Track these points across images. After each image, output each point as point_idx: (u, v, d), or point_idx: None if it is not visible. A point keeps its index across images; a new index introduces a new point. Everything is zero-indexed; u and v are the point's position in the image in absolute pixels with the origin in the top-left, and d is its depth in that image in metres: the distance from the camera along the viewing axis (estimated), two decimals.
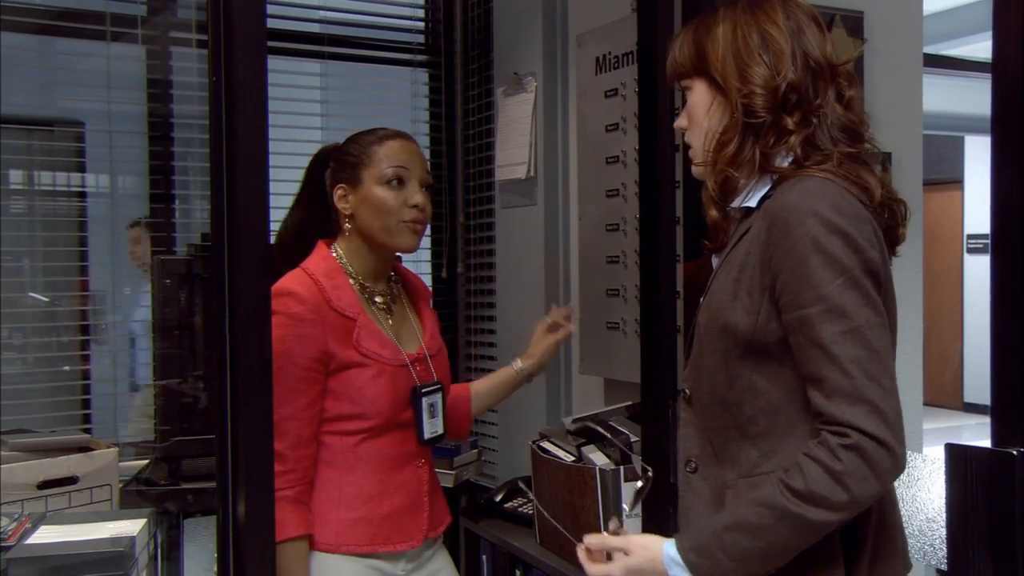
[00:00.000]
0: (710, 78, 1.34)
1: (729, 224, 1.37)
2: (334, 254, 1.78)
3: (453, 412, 1.98)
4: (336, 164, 1.79)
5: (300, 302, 1.65)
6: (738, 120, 1.30)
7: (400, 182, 1.73)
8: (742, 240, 1.30)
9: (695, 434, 1.36)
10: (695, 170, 1.41)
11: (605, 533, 1.34)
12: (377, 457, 1.71)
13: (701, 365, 1.33)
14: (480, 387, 2.11)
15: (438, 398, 1.80)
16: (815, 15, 1.35)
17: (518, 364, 2.11)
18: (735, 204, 1.34)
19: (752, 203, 1.31)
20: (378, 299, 1.79)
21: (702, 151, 1.37)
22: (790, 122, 1.28)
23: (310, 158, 1.93)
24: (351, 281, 1.75)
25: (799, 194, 1.23)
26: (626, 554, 1.27)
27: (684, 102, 1.43)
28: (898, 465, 1.16)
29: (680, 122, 1.42)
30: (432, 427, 1.78)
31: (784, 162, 1.30)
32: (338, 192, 1.76)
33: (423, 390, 1.76)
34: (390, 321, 1.79)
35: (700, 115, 1.36)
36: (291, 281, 1.69)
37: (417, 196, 1.74)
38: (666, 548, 1.24)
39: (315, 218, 1.87)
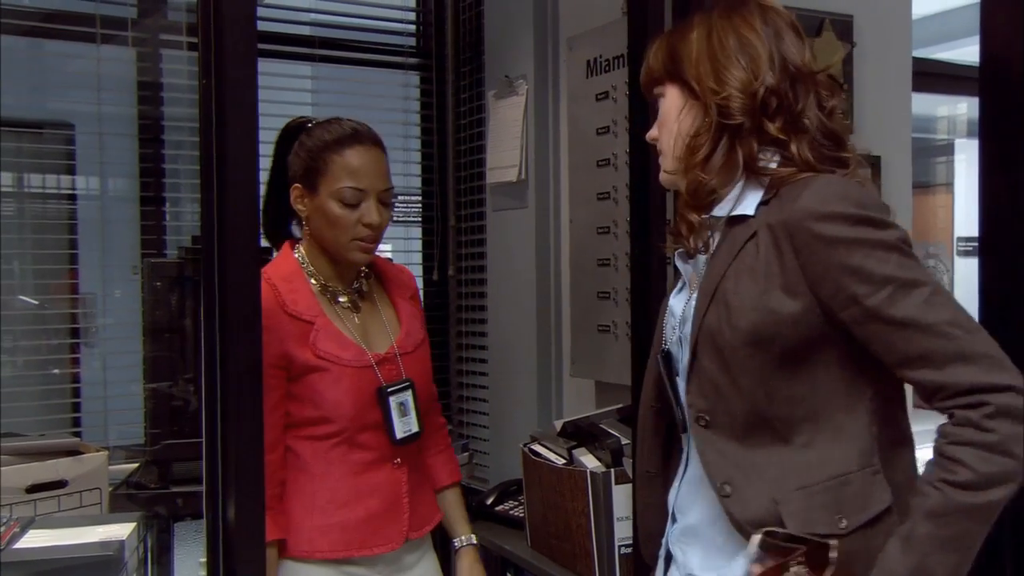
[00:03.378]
0: (682, 82, 1.31)
1: (703, 230, 1.31)
2: (296, 255, 1.75)
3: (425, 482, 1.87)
4: (295, 156, 1.73)
5: None
6: (711, 122, 1.27)
7: (357, 198, 1.67)
8: (746, 249, 1.24)
9: (718, 459, 1.26)
10: (663, 177, 1.38)
11: None
12: (350, 461, 1.68)
13: (723, 385, 1.24)
14: (446, 503, 1.91)
15: (408, 396, 1.73)
16: (794, 22, 1.32)
17: (463, 540, 1.91)
18: (724, 212, 1.29)
19: (749, 211, 1.26)
20: (342, 299, 1.75)
21: (671, 156, 1.33)
22: (772, 127, 1.25)
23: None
24: (312, 282, 1.72)
25: (813, 195, 1.19)
26: None
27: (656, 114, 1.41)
28: None
29: (651, 133, 1.39)
30: (404, 426, 1.71)
31: (770, 167, 1.27)
32: (294, 192, 1.72)
33: (389, 389, 1.70)
34: (356, 320, 1.74)
35: (671, 120, 1.33)
36: None
37: (372, 215, 1.67)
38: None
39: (276, 207, 1.79)
